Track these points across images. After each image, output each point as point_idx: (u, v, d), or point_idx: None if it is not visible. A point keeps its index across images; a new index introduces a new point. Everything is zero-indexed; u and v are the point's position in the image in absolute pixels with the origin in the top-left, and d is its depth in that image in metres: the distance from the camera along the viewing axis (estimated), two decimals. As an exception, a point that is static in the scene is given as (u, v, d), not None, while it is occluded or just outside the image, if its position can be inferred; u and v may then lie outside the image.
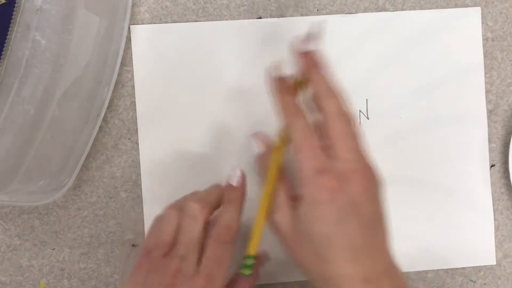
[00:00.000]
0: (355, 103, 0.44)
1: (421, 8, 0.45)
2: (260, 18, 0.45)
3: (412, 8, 0.45)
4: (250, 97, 0.44)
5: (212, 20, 0.44)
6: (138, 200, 0.44)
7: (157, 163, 0.44)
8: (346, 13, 0.45)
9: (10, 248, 0.44)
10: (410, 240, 0.45)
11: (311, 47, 0.36)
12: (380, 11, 0.45)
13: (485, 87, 0.46)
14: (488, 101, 0.46)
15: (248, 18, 0.44)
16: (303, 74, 0.36)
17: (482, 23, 0.46)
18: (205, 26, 0.44)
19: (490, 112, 0.46)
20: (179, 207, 0.37)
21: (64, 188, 0.41)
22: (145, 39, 0.44)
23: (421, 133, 0.45)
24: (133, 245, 0.45)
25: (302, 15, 0.45)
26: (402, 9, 0.45)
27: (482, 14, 0.45)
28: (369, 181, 0.34)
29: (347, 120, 0.34)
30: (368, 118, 0.45)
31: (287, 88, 0.37)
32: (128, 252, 0.45)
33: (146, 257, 0.36)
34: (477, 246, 0.46)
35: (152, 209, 0.44)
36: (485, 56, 0.46)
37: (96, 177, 0.44)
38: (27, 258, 0.44)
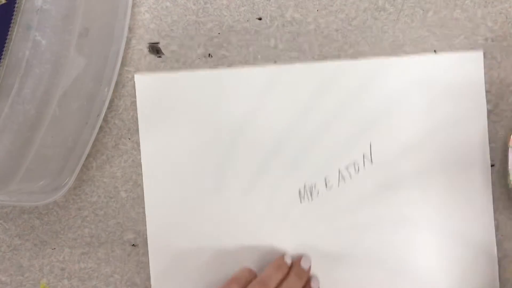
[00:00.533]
0: (359, 147, 0.45)
1: (421, 9, 0.45)
2: (260, 19, 0.45)
3: (412, 8, 0.45)
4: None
5: (212, 20, 0.44)
6: (138, 200, 0.44)
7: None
8: (349, 17, 0.45)
9: (11, 248, 0.44)
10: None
11: None
12: (380, 11, 0.45)
13: (485, 87, 0.46)
14: (488, 101, 0.46)
15: (248, 19, 0.45)
16: None
17: (482, 23, 0.46)
18: (210, 75, 0.45)
19: (490, 112, 0.46)
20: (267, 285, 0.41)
21: (64, 188, 0.41)
22: (149, 88, 0.44)
23: (425, 174, 0.45)
24: (133, 245, 0.45)
25: (301, 15, 0.45)
26: (402, 10, 0.45)
27: (482, 14, 0.45)
28: None
29: None
30: (372, 162, 0.45)
31: None
32: (128, 252, 0.45)
33: None
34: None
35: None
36: (485, 56, 0.46)
37: (96, 177, 0.44)
38: (27, 258, 0.44)
